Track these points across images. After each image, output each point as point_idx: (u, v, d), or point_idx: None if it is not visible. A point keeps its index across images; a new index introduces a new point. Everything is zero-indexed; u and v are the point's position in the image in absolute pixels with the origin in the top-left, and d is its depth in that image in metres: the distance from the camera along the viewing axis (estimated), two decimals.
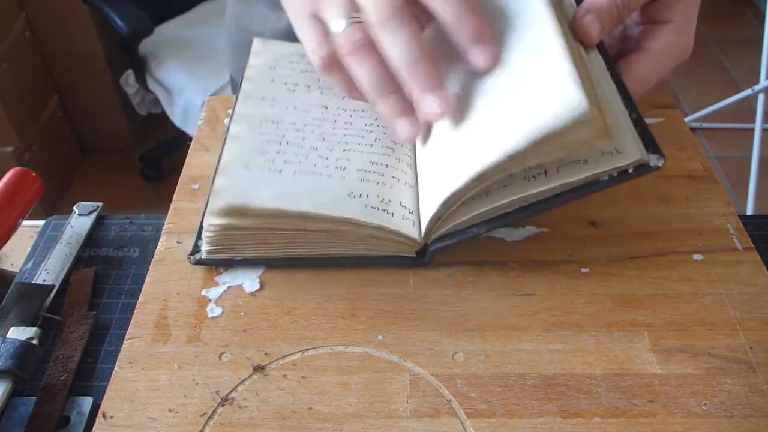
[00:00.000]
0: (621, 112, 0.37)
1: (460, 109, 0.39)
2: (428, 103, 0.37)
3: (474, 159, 0.35)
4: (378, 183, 0.41)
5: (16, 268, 0.47)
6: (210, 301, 0.39)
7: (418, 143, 0.43)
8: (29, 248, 0.47)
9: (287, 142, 0.43)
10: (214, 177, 0.42)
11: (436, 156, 0.40)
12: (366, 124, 0.45)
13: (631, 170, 0.35)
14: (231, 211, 0.38)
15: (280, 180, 0.40)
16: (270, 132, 0.43)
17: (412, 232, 0.39)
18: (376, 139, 0.44)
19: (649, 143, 0.35)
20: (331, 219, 0.38)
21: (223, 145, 0.45)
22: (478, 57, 0.37)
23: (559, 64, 0.34)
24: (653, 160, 0.34)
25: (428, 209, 0.39)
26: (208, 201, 0.44)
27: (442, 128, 0.40)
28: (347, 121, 0.45)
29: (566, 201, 0.36)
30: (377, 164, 0.42)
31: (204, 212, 0.43)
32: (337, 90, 0.45)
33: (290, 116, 0.45)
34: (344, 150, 0.42)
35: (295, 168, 0.41)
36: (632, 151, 0.34)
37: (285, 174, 0.40)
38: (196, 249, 0.41)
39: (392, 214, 0.39)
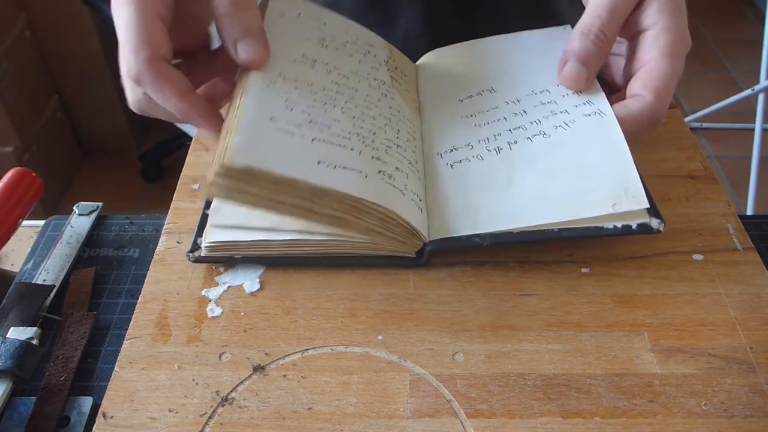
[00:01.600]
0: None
1: None
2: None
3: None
4: (397, 168, 0.40)
5: (16, 268, 0.47)
6: (210, 301, 0.39)
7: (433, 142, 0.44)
8: (29, 248, 0.47)
9: (311, 105, 0.40)
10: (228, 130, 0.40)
11: (472, 177, 0.41)
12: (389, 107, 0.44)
13: (634, 227, 0.38)
14: (221, 246, 0.39)
15: (300, 146, 0.37)
16: (293, 90, 0.40)
17: (419, 223, 0.39)
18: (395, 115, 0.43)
19: (651, 208, 0.38)
20: (318, 243, 0.39)
21: (239, 90, 0.41)
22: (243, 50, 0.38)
23: None
24: (655, 223, 0.38)
25: (447, 221, 0.40)
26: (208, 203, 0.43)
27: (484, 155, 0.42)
28: (367, 97, 0.43)
29: (568, 238, 0.38)
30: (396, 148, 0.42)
31: (203, 210, 0.43)
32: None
33: (311, 76, 0.42)
34: (370, 129, 0.41)
35: (315, 135, 0.38)
36: (639, 212, 0.38)
37: (305, 140, 0.37)
38: (195, 246, 0.41)
39: (404, 194, 0.39)
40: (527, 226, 0.38)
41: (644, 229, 0.38)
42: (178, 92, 0.36)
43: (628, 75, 0.42)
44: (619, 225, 0.38)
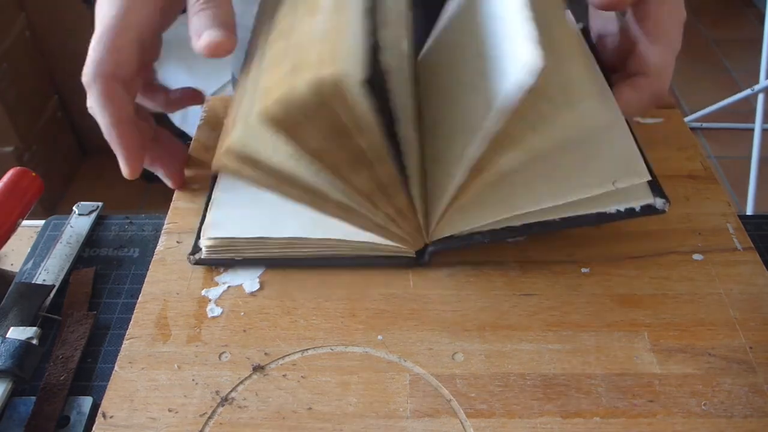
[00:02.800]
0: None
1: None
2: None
3: (464, 150, 0.36)
4: None
5: (16, 268, 0.47)
6: (210, 301, 0.39)
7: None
8: (29, 248, 0.47)
9: None
10: (208, 203, 0.43)
11: (438, 153, 0.40)
12: None
13: (638, 209, 0.37)
14: (219, 244, 0.40)
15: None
16: None
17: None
18: None
19: (655, 188, 0.37)
20: (317, 242, 0.39)
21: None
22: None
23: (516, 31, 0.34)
24: (659, 203, 0.37)
25: (433, 208, 0.39)
26: (208, 202, 0.43)
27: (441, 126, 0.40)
28: None
29: (570, 227, 0.37)
30: None
31: (204, 212, 0.43)
32: None
33: None
34: None
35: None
36: (642, 193, 0.37)
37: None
38: (196, 249, 0.41)
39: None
40: (527, 212, 0.37)
41: (648, 210, 0.37)
42: (114, 119, 0.39)
43: (624, 52, 0.41)
44: (622, 208, 0.37)
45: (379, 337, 0.37)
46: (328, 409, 0.34)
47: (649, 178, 0.36)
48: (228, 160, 0.33)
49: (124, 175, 0.42)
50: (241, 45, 0.70)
